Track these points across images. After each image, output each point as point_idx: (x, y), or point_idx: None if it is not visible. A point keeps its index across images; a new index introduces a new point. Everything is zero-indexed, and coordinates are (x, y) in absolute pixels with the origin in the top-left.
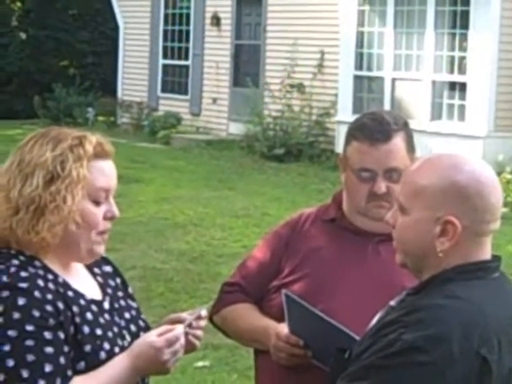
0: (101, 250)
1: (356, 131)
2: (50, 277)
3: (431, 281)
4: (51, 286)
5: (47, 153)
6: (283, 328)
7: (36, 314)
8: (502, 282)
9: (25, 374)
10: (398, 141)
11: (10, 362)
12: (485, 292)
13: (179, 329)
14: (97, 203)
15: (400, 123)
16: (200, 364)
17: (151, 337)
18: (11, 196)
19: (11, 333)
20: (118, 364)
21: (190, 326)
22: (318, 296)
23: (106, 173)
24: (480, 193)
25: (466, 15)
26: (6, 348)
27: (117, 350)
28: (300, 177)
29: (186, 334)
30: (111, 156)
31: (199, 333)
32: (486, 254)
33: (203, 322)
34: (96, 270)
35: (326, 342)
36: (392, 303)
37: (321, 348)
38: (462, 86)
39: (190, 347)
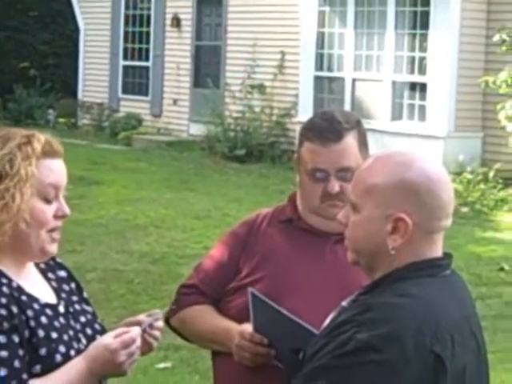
0: (53, 248)
1: (307, 131)
2: (4, 281)
3: (383, 279)
4: (5, 289)
5: None
6: (247, 327)
7: None
8: (453, 280)
9: None
10: (350, 140)
11: None
12: (436, 289)
13: (135, 330)
14: (47, 201)
15: (352, 122)
16: (162, 365)
17: (107, 339)
18: None
19: None
20: (74, 366)
21: (146, 327)
22: (278, 296)
23: (54, 170)
24: (430, 190)
25: (426, 16)
26: None
27: (73, 353)
28: (261, 177)
29: (143, 333)
30: (60, 155)
31: (156, 333)
32: (438, 251)
33: (160, 323)
34: (50, 275)
35: (290, 341)
36: (344, 303)
37: (284, 347)
38: (423, 87)
39: (147, 348)
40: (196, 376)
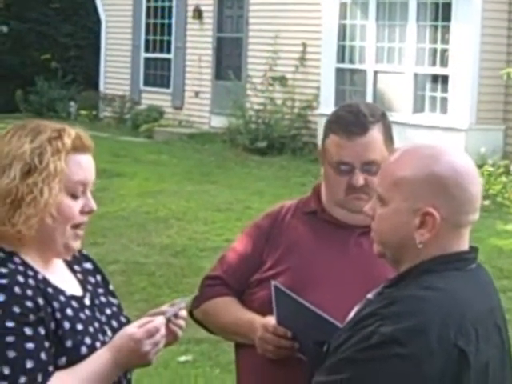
0: (77, 244)
1: (333, 124)
2: (30, 273)
3: (409, 272)
4: (31, 281)
5: (26, 145)
6: (270, 320)
7: (16, 310)
8: (479, 274)
9: (6, 370)
10: (375, 133)
11: None
12: (462, 283)
13: (159, 320)
14: (74, 197)
15: (377, 115)
16: (183, 358)
17: (131, 329)
18: None
19: None
20: (100, 357)
21: (171, 317)
22: (302, 289)
23: (83, 166)
24: (459, 183)
25: (447, 7)
26: None
27: (98, 344)
28: (282, 170)
29: (168, 323)
30: (90, 150)
31: (181, 322)
32: (464, 245)
33: (184, 312)
34: (76, 267)
35: (313, 335)
36: (369, 296)
37: (308, 341)
38: (444, 79)
39: (171, 337)
40: (217, 369)
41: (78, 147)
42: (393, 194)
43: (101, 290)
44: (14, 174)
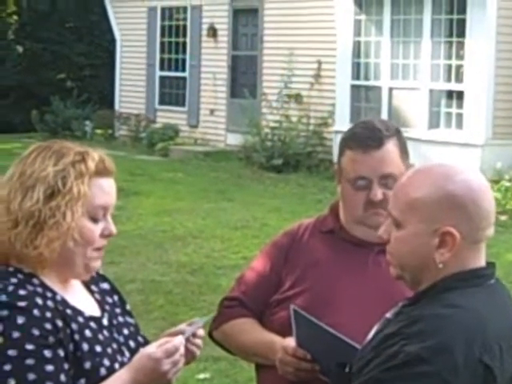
0: (97, 265)
1: (348, 141)
2: (49, 294)
3: (428, 290)
4: (50, 303)
5: (49, 167)
6: (290, 342)
7: (35, 332)
8: (497, 289)
9: None
10: (391, 146)
11: (11, 382)
12: (483, 299)
13: (178, 339)
14: (95, 220)
15: (392, 129)
16: (201, 376)
17: (150, 348)
18: (11, 208)
19: (11, 352)
20: (119, 378)
21: (190, 336)
22: (322, 310)
23: (105, 191)
24: (474, 200)
25: (462, 23)
26: (7, 368)
27: (117, 366)
28: (298, 187)
29: (186, 342)
30: (112, 174)
31: (199, 342)
32: (482, 260)
33: (202, 331)
34: (93, 288)
35: (333, 357)
36: (388, 315)
37: (328, 362)
38: (460, 95)
39: (190, 356)
40: None
41: (101, 171)
42: (409, 216)
43: (118, 310)
44: (38, 197)
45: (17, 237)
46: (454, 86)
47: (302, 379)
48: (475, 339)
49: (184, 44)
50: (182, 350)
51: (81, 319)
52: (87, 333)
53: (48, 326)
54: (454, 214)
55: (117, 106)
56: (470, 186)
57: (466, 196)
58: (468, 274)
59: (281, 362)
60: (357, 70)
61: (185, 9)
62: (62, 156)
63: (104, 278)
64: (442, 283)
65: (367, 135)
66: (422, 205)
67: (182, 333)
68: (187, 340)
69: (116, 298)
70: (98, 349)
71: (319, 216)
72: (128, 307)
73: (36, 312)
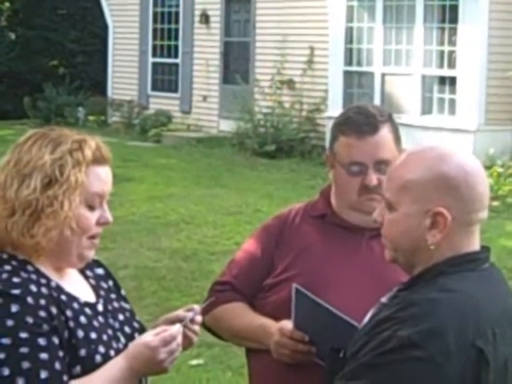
0: (91, 254)
1: (342, 126)
2: (43, 281)
3: (423, 275)
4: (44, 290)
5: (46, 155)
6: (287, 324)
7: (29, 320)
8: (492, 273)
9: (20, 381)
10: (386, 132)
11: (6, 371)
12: (477, 283)
13: (175, 328)
14: (91, 208)
15: (385, 115)
16: (194, 362)
17: (147, 337)
18: (7, 196)
19: (5, 341)
20: (115, 366)
21: (187, 322)
22: (314, 294)
23: (102, 179)
24: (468, 182)
25: (455, 9)
26: (1, 356)
27: (112, 353)
28: (291, 173)
29: (184, 329)
30: (109, 161)
31: (196, 328)
32: (476, 244)
33: (199, 317)
34: (88, 273)
35: (331, 339)
36: (383, 300)
37: (325, 345)
38: (452, 80)
39: (187, 343)
40: (228, 373)
41: (98, 159)
42: (401, 197)
43: (113, 296)
44: (35, 186)
45: (13, 225)
46: (446, 72)
47: (298, 362)
48: (468, 323)
49: (176, 30)
50: (179, 338)
51: (76, 305)
52: (82, 319)
53: (42, 313)
54: (446, 195)
55: (109, 93)
56: (464, 167)
57: (459, 177)
58: (462, 257)
59: (277, 344)
60: (349, 56)
61: None
62: (59, 144)
63: (99, 264)
64: (435, 267)
65: (362, 121)
66: (415, 185)
67: (179, 319)
68: (185, 326)
69: (111, 283)
70: (94, 335)
71: (309, 201)
72: (123, 292)
73: (30, 300)
